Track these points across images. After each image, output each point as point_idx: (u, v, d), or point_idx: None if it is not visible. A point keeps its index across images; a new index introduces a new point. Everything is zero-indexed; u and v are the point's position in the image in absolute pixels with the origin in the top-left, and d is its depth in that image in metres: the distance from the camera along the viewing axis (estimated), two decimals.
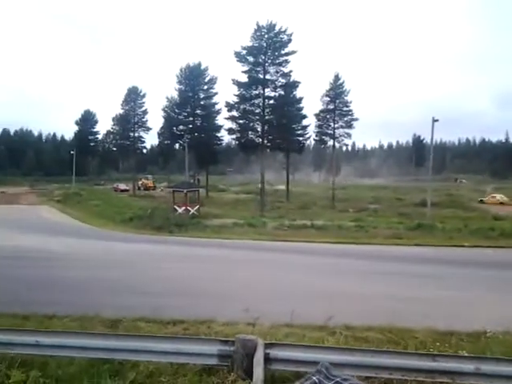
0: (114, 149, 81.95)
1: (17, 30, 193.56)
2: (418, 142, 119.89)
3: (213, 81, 60.23)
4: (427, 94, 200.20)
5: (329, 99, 54.33)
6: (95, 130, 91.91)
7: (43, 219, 38.31)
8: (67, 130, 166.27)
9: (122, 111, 70.61)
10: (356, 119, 54.01)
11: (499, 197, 54.58)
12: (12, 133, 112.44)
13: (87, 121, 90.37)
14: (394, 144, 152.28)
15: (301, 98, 51.47)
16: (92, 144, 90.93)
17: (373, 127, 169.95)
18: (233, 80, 47.71)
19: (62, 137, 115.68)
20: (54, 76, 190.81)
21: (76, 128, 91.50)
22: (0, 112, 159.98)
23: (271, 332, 7.13)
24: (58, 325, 7.05)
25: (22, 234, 26.86)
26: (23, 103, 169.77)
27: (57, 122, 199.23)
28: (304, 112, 53.21)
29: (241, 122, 49.09)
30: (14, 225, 31.59)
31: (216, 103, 60.34)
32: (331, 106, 54.07)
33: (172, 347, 5.00)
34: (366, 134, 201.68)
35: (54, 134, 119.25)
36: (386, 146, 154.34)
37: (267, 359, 4.99)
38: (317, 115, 55.32)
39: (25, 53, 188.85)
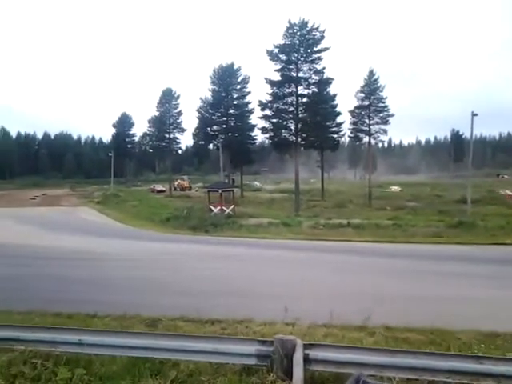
0: (151, 150, 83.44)
1: (57, 36, 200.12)
2: (456, 137, 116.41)
3: (246, 80, 60.34)
4: (466, 87, 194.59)
5: (363, 95, 53.55)
6: (132, 132, 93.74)
7: (83, 220, 39.36)
8: (105, 133, 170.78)
9: (157, 113, 71.75)
10: (392, 115, 53.07)
11: None
12: (52, 136, 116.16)
13: (124, 123, 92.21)
14: (432, 140, 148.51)
15: (335, 95, 51.00)
16: (129, 146, 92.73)
17: (410, 123, 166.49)
18: (265, 79, 47.64)
19: (100, 139, 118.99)
20: (92, 80, 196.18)
21: (113, 130, 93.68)
22: (41, 116, 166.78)
23: (309, 332, 7.04)
24: (100, 324, 7.17)
25: (65, 235, 27.67)
26: (63, 107, 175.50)
27: (95, 125, 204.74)
28: (338, 109, 52.68)
29: (274, 120, 48.89)
30: (56, 226, 32.58)
31: (249, 102, 60.48)
32: (366, 103, 53.25)
33: (211, 347, 4.98)
34: (402, 130, 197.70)
35: (93, 137, 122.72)
36: (423, 141, 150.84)
37: (306, 360, 4.90)
38: (351, 112, 54.61)
39: (65, 58, 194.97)
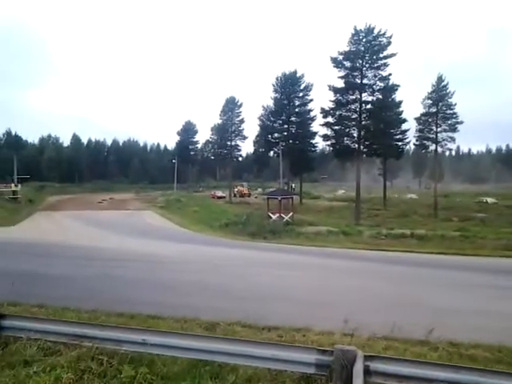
0: (212, 157, 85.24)
1: (123, 47, 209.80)
2: None
3: (308, 87, 60.22)
4: None
5: (431, 102, 51.65)
6: (195, 139, 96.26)
7: (146, 224, 40.73)
8: (170, 140, 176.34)
9: (220, 121, 73.24)
10: (461, 122, 50.72)
11: None
12: (121, 143, 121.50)
13: (188, 131, 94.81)
14: (504, 148, 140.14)
15: (400, 102, 49.68)
16: (192, 153, 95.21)
17: (480, 130, 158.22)
18: (329, 86, 47.28)
19: (165, 146, 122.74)
20: (159, 90, 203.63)
21: (177, 138, 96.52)
22: (110, 124, 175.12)
23: (369, 344, 6.90)
24: (161, 325, 7.36)
25: (129, 237, 28.78)
26: (131, 116, 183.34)
27: (160, 133, 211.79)
28: (403, 116, 51.24)
29: (336, 127, 48.34)
30: (120, 229, 33.96)
31: (311, 110, 60.25)
32: (434, 109, 51.31)
33: (270, 353, 4.96)
34: (472, 138, 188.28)
35: (158, 144, 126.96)
36: (494, 149, 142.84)
37: (367, 372, 4.77)
38: (418, 119, 52.84)
39: (134, 69, 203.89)
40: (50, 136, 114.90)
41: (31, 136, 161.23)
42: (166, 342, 5.34)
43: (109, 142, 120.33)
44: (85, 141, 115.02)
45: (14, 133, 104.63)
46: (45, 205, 58.33)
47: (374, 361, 4.90)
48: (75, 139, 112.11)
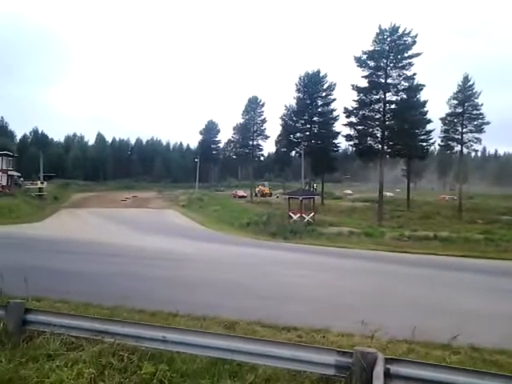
0: (234, 156, 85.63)
1: (148, 47, 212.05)
2: None
3: (331, 87, 59.82)
4: None
5: (457, 102, 50.75)
6: (217, 139, 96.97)
7: (168, 222, 41.18)
8: (192, 139, 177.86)
9: (242, 120, 73.48)
10: (487, 123, 49.71)
11: None
12: (144, 142, 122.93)
13: (210, 130, 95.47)
14: None
15: (425, 102, 48.83)
16: (214, 152, 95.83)
17: (507, 130, 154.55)
18: (352, 85, 46.87)
19: (188, 145, 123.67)
20: (181, 89, 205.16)
21: (200, 137, 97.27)
22: (134, 123, 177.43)
23: (389, 347, 6.81)
24: (181, 322, 7.41)
25: (151, 235, 29.12)
26: (154, 115, 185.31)
27: (183, 132, 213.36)
28: (428, 116, 50.35)
29: (359, 127, 47.87)
30: (142, 226, 34.44)
31: (334, 110, 59.81)
32: (459, 110, 50.41)
33: (290, 353, 4.94)
34: (498, 139, 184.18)
35: (181, 143, 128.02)
36: None
37: (387, 375, 4.70)
38: (443, 119, 51.99)
39: (155, 68, 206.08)
40: (75, 135, 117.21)
41: (57, 135, 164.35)
42: (186, 340, 5.36)
43: (132, 142, 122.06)
44: (109, 140, 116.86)
45: (40, 131, 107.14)
46: (70, 202, 59.51)
47: (395, 364, 4.83)
48: (100, 138, 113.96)
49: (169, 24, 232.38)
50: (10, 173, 63.76)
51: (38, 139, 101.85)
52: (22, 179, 68.41)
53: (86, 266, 15.17)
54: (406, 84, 45.73)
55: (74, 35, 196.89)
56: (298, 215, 37.73)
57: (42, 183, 61.44)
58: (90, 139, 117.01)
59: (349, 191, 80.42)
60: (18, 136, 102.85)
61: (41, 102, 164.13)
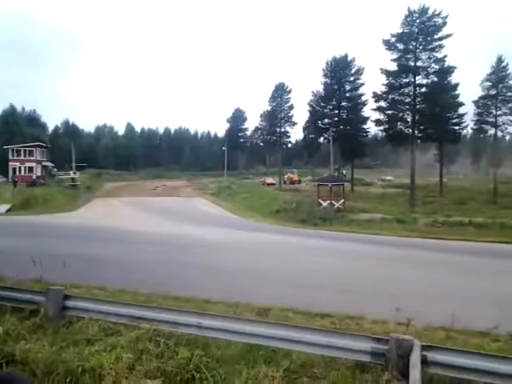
0: (262, 144, 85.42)
1: (173, 36, 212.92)
2: None
3: (359, 71, 58.71)
4: None
5: (490, 84, 49.07)
6: (244, 126, 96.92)
7: (197, 210, 41.53)
8: (220, 128, 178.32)
9: (269, 107, 72.99)
10: None
11: None
12: (172, 131, 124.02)
13: (237, 118, 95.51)
14: None
15: (456, 84, 47.39)
16: (241, 140, 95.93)
17: None
18: (381, 69, 45.98)
19: (215, 134, 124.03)
20: (207, 77, 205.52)
21: (227, 125, 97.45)
22: (162, 112, 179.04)
23: (426, 334, 6.74)
24: (215, 309, 7.50)
25: (181, 223, 29.46)
26: (181, 104, 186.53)
27: (211, 120, 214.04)
28: (460, 99, 48.85)
29: (389, 112, 46.99)
30: (173, 215, 34.81)
31: (362, 94, 58.69)
32: (493, 92, 48.73)
33: (324, 340, 4.95)
34: None
35: (208, 132, 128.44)
36: None
37: (424, 362, 4.67)
38: (476, 102, 50.36)
39: (182, 57, 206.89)
40: (105, 125, 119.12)
41: (87, 125, 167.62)
42: (221, 326, 5.44)
43: (161, 131, 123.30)
44: (138, 130, 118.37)
45: (71, 122, 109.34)
46: (102, 191, 60.65)
47: (432, 351, 4.79)
48: (129, 128, 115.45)
49: (196, 11, 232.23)
50: (44, 163, 65.53)
51: (69, 130, 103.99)
52: (55, 169, 70.21)
53: (122, 253, 15.49)
54: (437, 66, 44.53)
55: (101, 26, 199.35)
56: (328, 202, 37.47)
57: (74, 173, 62.78)
58: (120, 129, 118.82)
59: (388, 177, 78.03)
60: (50, 127, 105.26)
61: (71, 93, 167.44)
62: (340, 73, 58.99)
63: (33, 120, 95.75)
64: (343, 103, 59.65)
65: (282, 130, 71.53)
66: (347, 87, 59.78)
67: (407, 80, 45.19)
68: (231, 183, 68.74)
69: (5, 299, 6.48)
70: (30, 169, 61.23)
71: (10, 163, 61.98)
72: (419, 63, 44.43)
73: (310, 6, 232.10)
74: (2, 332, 5.41)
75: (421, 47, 44.06)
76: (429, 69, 44.69)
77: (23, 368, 4.74)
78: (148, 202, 47.50)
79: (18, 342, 5.25)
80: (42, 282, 7.90)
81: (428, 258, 17.67)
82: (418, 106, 44.78)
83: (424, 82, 45.40)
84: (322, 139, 64.32)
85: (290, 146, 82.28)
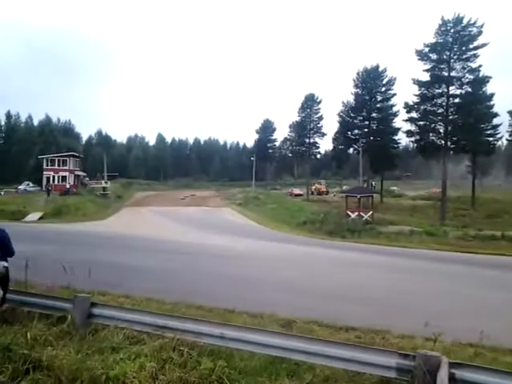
0: (290, 155, 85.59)
1: (203, 48, 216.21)
2: None
3: (391, 82, 58.25)
4: None
5: None
6: (273, 137, 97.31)
7: (225, 220, 41.75)
8: (248, 138, 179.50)
9: (298, 118, 73.10)
10: None
11: None
12: (202, 142, 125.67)
13: (266, 129, 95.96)
14: None
15: (491, 95, 46.18)
16: (270, 151, 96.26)
17: None
18: (413, 79, 45.51)
19: (244, 144, 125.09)
20: (237, 88, 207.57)
21: (256, 136, 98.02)
22: (192, 123, 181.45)
23: (454, 350, 6.52)
24: (238, 320, 7.46)
25: (209, 233, 29.66)
26: (211, 115, 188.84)
27: (240, 131, 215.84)
28: (495, 109, 47.61)
29: (421, 123, 46.35)
30: (201, 225, 35.13)
31: (393, 105, 58.17)
32: None
33: (348, 354, 4.85)
34: None
35: (237, 142, 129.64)
36: None
37: (452, 379, 4.51)
38: (511, 112, 49.23)
39: (211, 69, 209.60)
40: (136, 135, 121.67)
41: (119, 135, 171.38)
42: (244, 337, 5.39)
43: (191, 141, 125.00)
44: (169, 140, 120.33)
45: (104, 133, 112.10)
46: (132, 201, 61.69)
47: (460, 368, 4.63)
48: (160, 138, 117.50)
49: (227, 23, 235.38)
50: (76, 173, 67.19)
51: (102, 140, 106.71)
52: (87, 179, 71.93)
53: (150, 261, 15.63)
54: (471, 77, 43.73)
55: (134, 38, 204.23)
56: (356, 213, 37.08)
57: (106, 182, 64.24)
58: (151, 139, 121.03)
59: (393, 188, 76.74)
60: (84, 137, 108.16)
61: (104, 104, 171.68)
62: (371, 83, 58.69)
63: (68, 130, 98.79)
64: (374, 114, 59.21)
65: (311, 140, 71.52)
66: (378, 98, 59.41)
67: (440, 90, 44.60)
68: (259, 194, 68.89)
69: (34, 305, 6.62)
70: (63, 178, 62.85)
71: (44, 172, 63.79)
72: (453, 73, 43.85)
73: (341, 17, 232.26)
74: (30, 338, 5.52)
75: (455, 57, 43.49)
76: (463, 79, 44.03)
77: (49, 374, 4.81)
78: (177, 211, 48.04)
79: (45, 348, 5.33)
80: (69, 288, 8.04)
81: (459, 271, 17.21)
82: (450, 117, 44.07)
83: (458, 92, 44.79)
84: (351, 150, 63.94)
85: (318, 156, 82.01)
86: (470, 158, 57.15)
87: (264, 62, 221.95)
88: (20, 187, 61.92)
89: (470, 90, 43.99)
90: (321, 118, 70.67)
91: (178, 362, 5.13)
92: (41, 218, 37.90)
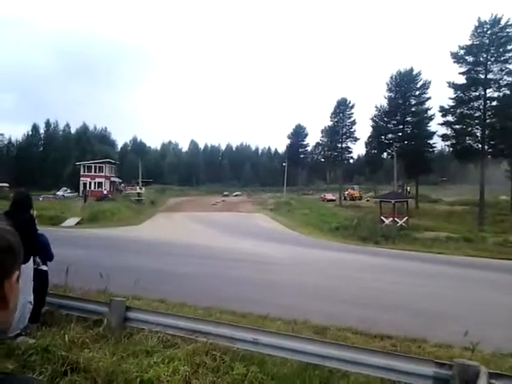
0: (322, 160, 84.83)
1: (236, 56, 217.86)
2: None
3: (426, 85, 57.05)
4: None
5: None
6: (305, 142, 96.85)
7: (257, 226, 41.78)
8: (280, 144, 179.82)
9: (330, 123, 72.56)
10: None
11: None
12: (234, 148, 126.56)
13: (298, 134, 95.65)
14: None
15: None
16: (302, 156, 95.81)
17: None
18: (448, 83, 44.47)
19: (276, 150, 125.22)
20: (269, 94, 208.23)
21: (288, 141, 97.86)
22: (225, 129, 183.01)
23: (493, 360, 6.30)
24: (272, 325, 7.44)
25: (242, 238, 29.76)
26: (243, 120, 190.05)
27: (271, 137, 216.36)
28: None
29: (457, 126, 45.27)
30: (233, 230, 35.26)
31: (428, 108, 56.88)
32: None
33: (384, 362, 4.76)
34: None
35: (269, 148, 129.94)
36: None
37: None
38: None
39: (244, 75, 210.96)
40: (170, 142, 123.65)
41: (154, 142, 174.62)
42: (277, 343, 5.37)
43: (223, 147, 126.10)
44: (201, 146, 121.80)
45: (139, 140, 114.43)
46: (165, 206, 62.63)
47: (500, 379, 4.48)
48: (193, 145, 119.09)
49: (259, 30, 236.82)
50: (112, 179, 68.80)
51: (137, 147, 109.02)
52: (122, 185, 73.54)
53: (183, 267, 15.77)
54: (509, 79, 42.46)
55: (167, 45, 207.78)
56: (391, 219, 36.48)
57: (140, 188, 65.52)
58: (184, 146, 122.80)
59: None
60: (120, 144, 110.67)
61: (139, 111, 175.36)
62: (405, 87, 57.75)
63: (104, 137, 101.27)
64: (408, 118, 58.14)
65: (344, 145, 70.78)
66: (412, 101, 58.33)
67: (477, 93, 43.48)
68: (290, 199, 68.67)
69: (72, 309, 6.79)
70: (100, 184, 64.44)
71: (81, 178, 65.58)
72: (490, 76, 42.68)
73: (375, 20, 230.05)
74: (68, 340, 5.65)
75: (492, 59, 42.33)
76: (500, 81, 42.80)
77: (85, 376, 4.90)
78: (208, 217, 48.44)
79: (82, 350, 5.45)
80: (106, 293, 8.20)
81: (498, 279, 16.67)
82: (488, 121, 42.88)
83: (495, 95, 43.57)
84: (385, 155, 63.06)
85: (351, 161, 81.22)
86: (509, 162, 55.24)
87: (297, 67, 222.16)
88: (58, 193, 63.74)
89: (508, 92, 42.75)
90: (353, 123, 70.00)
91: (211, 367, 5.15)
92: (78, 224, 38.88)
